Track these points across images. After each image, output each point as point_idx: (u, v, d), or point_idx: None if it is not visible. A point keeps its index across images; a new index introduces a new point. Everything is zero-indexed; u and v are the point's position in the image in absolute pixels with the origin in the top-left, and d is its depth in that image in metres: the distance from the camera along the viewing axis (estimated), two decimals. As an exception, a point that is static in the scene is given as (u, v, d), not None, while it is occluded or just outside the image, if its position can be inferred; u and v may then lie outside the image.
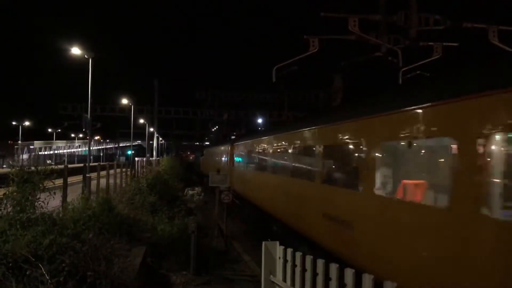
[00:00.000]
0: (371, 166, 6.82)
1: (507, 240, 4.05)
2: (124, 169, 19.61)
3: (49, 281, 5.41)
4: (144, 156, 43.98)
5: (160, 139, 73.24)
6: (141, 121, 53.56)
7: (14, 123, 76.61)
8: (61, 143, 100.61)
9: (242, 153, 21.52)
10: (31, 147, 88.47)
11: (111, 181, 15.76)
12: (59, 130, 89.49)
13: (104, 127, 73.80)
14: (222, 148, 30.42)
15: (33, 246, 5.77)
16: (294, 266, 5.73)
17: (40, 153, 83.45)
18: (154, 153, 48.66)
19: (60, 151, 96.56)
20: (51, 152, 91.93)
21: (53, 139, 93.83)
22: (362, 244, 7.08)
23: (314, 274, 5.25)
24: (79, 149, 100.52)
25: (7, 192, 6.82)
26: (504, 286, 4.08)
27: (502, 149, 4.38)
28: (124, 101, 45.21)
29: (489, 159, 4.43)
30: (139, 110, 51.18)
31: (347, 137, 8.30)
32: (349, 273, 4.62)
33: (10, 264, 5.50)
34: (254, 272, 10.77)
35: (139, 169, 26.07)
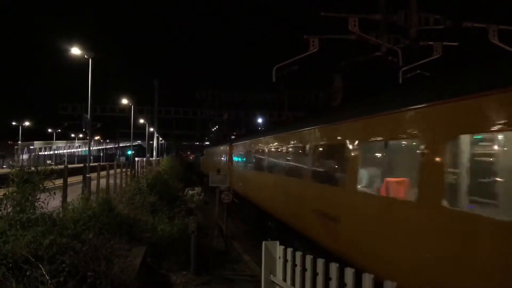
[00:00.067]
0: (354, 165, 7.46)
1: (459, 226, 4.75)
2: (124, 169, 19.61)
3: (49, 281, 5.41)
4: (144, 156, 43.98)
5: (160, 139, 73.26)
6: (141, 121, 53.58)
7: (14, 123, 76.67)
8: (61, 143, 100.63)
9: (240, 153, 21.95)
10: (31, 147, 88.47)
11: (111, 181, 15.77)
12: (59, 130, 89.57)
13: (104, 127, 74.03)
14: (221, 148, 30.78)
15: (33, 247, 5.77)
16: (294, 265, 5.73)
17: (40, 153, 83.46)
18: (154, 153, 48.67)
19: (60, 151, 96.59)
20: (51, 152, 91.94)
21: (53, 139, 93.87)
22: (346, 236, 7.68)
23: (314, 274, 5.25)
24: (79, 149, 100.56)
25: (7, 193, 6.81)
26: (457, 265, 4.71)
27: (464, 150, 4.87)
28: (124, 101, 45.23)
29: (452, 159, 5.01)
30: (139, 110, 51.21)
31: (332, 138, 9.04)
32: (349, 273, 4.62)
33: (10, 265, 5.49)
34: (254, 272, 10.77)
35: (139, 169, 26.07)
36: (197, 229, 11.22)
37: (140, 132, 62.25)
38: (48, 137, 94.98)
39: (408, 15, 14.28)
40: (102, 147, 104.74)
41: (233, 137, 42.73)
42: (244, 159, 20.78)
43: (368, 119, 7.34)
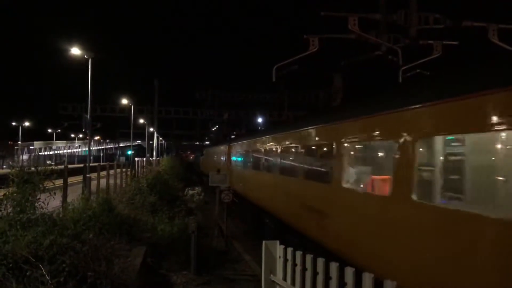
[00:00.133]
0: (339, 163, 8.17)
1: (422, 216, 5.47)
2: (124, 169, 19.61)
3: (50, 281, 5.41)
4: (144, 156, 43.98)
5: (160, 139, 73.27)
6: (141, 121, 53.57)
7: (14, 123, 76.66)
8: (61, 143, 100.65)
9: (238, 153, 22.45)
10: (31, 147, 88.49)
11: (111, 181, 15.77)
12: (59, 131, 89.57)
13: (104, 127, 73.94)
14: (221, 148, 31.16)
15: (33, 247, 5.76)
16: (294, 265, 5.73)
17: (40, 153, 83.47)
18: (154, 153, 48.67)
19: (60, 152, 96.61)
20: (51, 152, 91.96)
21: (53, 140, 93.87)
22: (332, 229, 8.37)
23: (314, 273, 5.25)
24: (79, 150, 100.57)
25: (7, 193, 6.81)
26: (419, 249, 5.36)
27: (427, 150, 5.56)
28: (124, 101, 45.23)
29: (425, 158, 5.61)
30: (139, 110, 51.20)
31: (320, 139, 9.87)
32: (349, 272, 4.62)
33: (11, 265, 5.49)
34: (255, 272, 10.77)
35: (139, 169, 26.08)
36: (197, 229, 11.21)
37: (140, 132, 62.26)
38: (48, 137, 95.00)
39: (408, 15, 14.28)
40: (102, 147, 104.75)
41: (233, 136, 42.77)
42: (242, 158, 21.35)
43: (350, 122, 8.08)
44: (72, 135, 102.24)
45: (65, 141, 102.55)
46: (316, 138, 10.11)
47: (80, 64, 21.86)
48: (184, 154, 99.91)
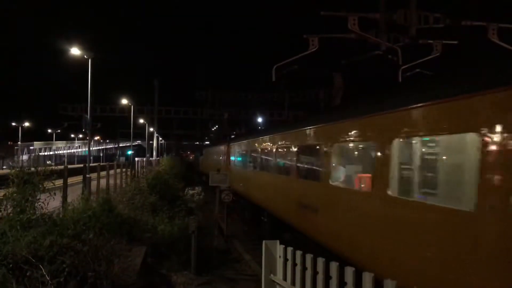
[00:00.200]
0: (327, 162, 8.86)
1: (395, 209, 6.15)
2: (124, 169, 19.61)
3: (50, 281, 5.41)
4: (144, 156, 43.97)
5: (160, 139, 73.27)
6: (141, 121, 53.56)
7: (13, 124, 76.68)
8: (61, 143, 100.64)
9: (237, 153, 22.97)
10: (31, 147, 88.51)
11: (111, 181, 15.76)
12: (59, 131, 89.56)
13: (104, 127, 73.88)
14: (220, 148, 31.50)
15: (33, 247, 5.76)
16: (294, 265, 5.72)
17: (40, 153, 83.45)
18: (154, 153, 48.66)
19: (60, 152, 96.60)
20: (51, 152, 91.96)
21: (53, 140, 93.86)
22: (321, 223, 9.08)
23: (315, 273, 5.25)
24: (79, 150, 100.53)
25: (7, 193, 6.81)
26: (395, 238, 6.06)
27: (397, 151, 6.23)
28: (124, 101, 45.21)
29: (390, 158, 6.30)
30: (139, 110, 51.17)
31: (310, 140, 10.56)
32: (349, 272, 4.62)
33: (11, 265, 5.49)
34: (255, 272, 10.77)
35: (139, 169, 26.07)
36: (197, 229, 11.22)
37: (140, 132, 62.26)
38: (48, 138, 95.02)
39: (408, 14, 14.26)
40: (102, 147, 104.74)
41: (232, 136, 42.83)
42: (241, 158, 21.85)
43: (336, 125, 8.81)
44: (72, 135, 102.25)
45: (65, 142, 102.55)
46: (307, 139, 10.77)
47: (80, 64, 21.88)
48: (184, 154, 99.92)
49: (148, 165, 32.04)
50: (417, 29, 14.33)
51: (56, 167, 9.03)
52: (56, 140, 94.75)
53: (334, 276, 4.86)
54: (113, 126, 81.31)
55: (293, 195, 11.12)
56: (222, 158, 28.72)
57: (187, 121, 71.16)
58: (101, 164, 19.93)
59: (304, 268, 5.48)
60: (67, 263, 5.72)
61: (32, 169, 7.29)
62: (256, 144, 17.19)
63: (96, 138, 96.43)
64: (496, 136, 4.37)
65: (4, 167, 55.15)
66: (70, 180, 10.38)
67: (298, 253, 5.66)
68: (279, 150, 13.40)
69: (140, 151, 78.98)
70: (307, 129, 10.69)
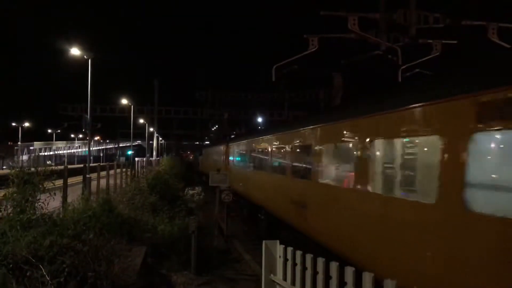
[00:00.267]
0: (315, 161, 9.68)
1: (372, 203, 6.88)
2: (124, 170, 19.60)
3: (50, 282, 5.41)
4: (144, 156, 43.97)
5: (160, 139, 73.25)
6: (141, 121, 53.55)
7: (13, 124, 76.68)
8: (61, 143, 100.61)
9: (235, 153, 23.58)
10: (31, 148, 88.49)
11: (111, 181, 15.76)
12: (59, 131, 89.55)
13: (104, 127, 73.94)
14: (219, 148, 31.92)
15: (33, 247, 5.76)
16: (294, 264, 5.73)
17: (40, 154, 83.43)
18: (154, 153, 48.66)
19: (60, 152, 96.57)
20: (51, 153, 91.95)
21: (53, 140, 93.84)
22: (310, 217, 9.84)
23: (315, 273, 5.25)
24: (79, 150, 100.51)
25: (7, 193, 6.81)
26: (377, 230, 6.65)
27: (375, 151, 6.94)
28: (124, 101, 45.21)
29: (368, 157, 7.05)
30: (139, 110, 51.17)
31: (300, 141, 11.26)
32: (349, 272, 4.62)
33: (11, 265, 5.49)
34: (255, 272, 10.77)
35: (139, 169, 26.07)
36: (197, 229, 11.21)
37: (140, 132, 62.23)
38: (48, 138, 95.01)
39: (408, 14, 14.26)
40: (102, 148, 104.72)
41: (232, 136, 42.90)
42: (239, 158, 22.44)
43: (323, 127, 9.55)
44: (72, 136, 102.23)
45: (65, 142, 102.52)
46: (298, 140, 11.48)
47: (80, 64, 21.88)
48: (184, 154, 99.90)
49: (148, 165, 32.04)
50: (417, 29, 14.34)
51: (56, 167, 9.03)
52: (56, 140, 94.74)
53: (334, 276, 4.86)
54: (113, 126, 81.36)
55: (286, 193, 11.78)
56: (221, 158, 28.99)
57: (187, 121, 71.24)
58: (101, 164, 19.93)
59: (304, 268, 5.49)
60: (67, 263, 5.73)
61: (32, 169, 7.29)
62: (253, 145, 17.91)
63: (96, 138, 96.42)
64: (450, 139, 5.05)
65: (4, 167, 55.14)
66: (70, 180, 10.38)
67: (298, 253, 5.66)
68: (273, 150, 14.16)
69: (140, 151, 78.96)
70: (298, 131, 11.55)
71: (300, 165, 11.13)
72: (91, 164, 17.92)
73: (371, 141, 7.03)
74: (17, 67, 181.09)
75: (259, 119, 54.61)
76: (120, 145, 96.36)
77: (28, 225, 6.39)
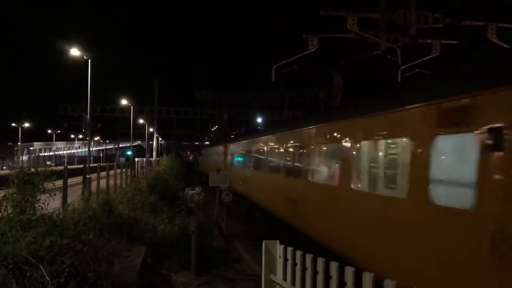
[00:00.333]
0: (307, 160, 10.44)
1: (354, 199, 7.66)
2: (124, 170, 19.61)
3: (50, 282, 5.42)
4: (144, 156, 43.98)
5: (160, 139, 73.25)
6: (141, 121, 53.56)
7: (13, 124, 76.67)
8: (60, 144, 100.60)
9: (233, 153, 24.45)
10: (30, 148, 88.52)
11: (111, 182, 15.77)
12: (59, 131, 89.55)
13: (104, 127, 73.87)
14: (218, 148, 32.64)
15: (33, 248, 5.77)
16: (294, 264, 5.73)
17: (40, 154, 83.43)
18: (154, 154, 48.67)
19: (60, 152, 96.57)
20: (51, 153, 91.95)
21: (52, 140, 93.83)
22: (301, 213, 10.48)
23: (315, 273, 5.25)
24: (79, 150, 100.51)
25: (7, 194, 6.81)
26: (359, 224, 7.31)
27: (357, 152, 7.68)
28: (124, 101, 45.22)
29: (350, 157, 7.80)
30: (139, 110, 51.16)
31: (292, 142, 11.96)
32: (349, 272, 4.62)
33: (11, 266, 5.49)
34: (255, 272, 10.78)
35: (139, 169, 26.08)
36: (197, 229, 11.22)
37: (140, 132, 62.22)
38: (47, 138, 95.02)
39: (407, 14, 14.27)
40: (102, 148, 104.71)
41: (232, 136, 42.97)
42: (237, 158, 23.07)
43: (312, 129, 10.28)
44: (72, 136, 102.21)
45: (65, 142, 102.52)
46: (290, 141, 12.20)
47: (80, 64, 21.89)
48: (184, 154, 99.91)
49: (148, 165, 32.06)
50: (417, 29, 14.35)
51: (56, 168, 9.04)
52: (56, 140, 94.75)
53: (334, 276, 4.86)
54: (113, 126, 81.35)
55: (280, 191, 12.61)
56: (220, 158, 29.33)
57: (187, 121, 71.29)
58: (101, 164, 19.94)
59: (304, 268, 5.49)
60: (67, 263, 5.73)
61: (32, 169, 7.29)
62: (249, 146, 18.74)
63: (96, 138, 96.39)
64: (418, 141, 5.74)
65: (4, 167, 55.15)
66: (70, 180, 10.38)
67: (298, 253, 5.67)
68: (267, 151, 14.97)
69: (140, 151, 79.00)
70: (289, 132, 12.52)
71: (291, 164, 11.81)
72: (91, 165, 17.92)
73: (353, 142, 7.77)
74: (17, 67, 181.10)
75: (259, 119, 54.62)
76: (120, 145, 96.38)
77: (28, 225, 6.39)
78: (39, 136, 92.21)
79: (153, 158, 44.27)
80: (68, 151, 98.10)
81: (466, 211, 4.68)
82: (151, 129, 47.84)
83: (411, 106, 6.02)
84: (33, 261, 5.59)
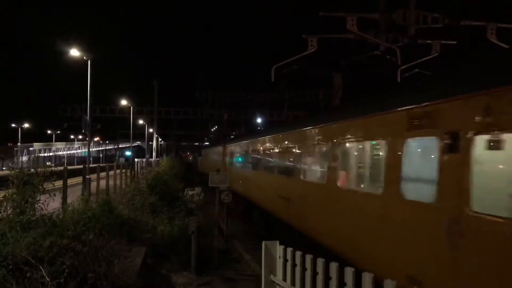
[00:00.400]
0: (298, 160, 11.20)
1: (340, 196, 8.39)
2: (123, 170, 19.61)
3: (50, 282, 5.42)
4: (143, 157, 43.98)
5: (160, 139, 73.24)
6: (141, 121, 53.55)
7: (13, 125, 76.66)
8: (60, 144, 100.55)
9: (232, 153, 25.02)
10: (30, 149, 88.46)
11: (111, 182, 15.77)
12: (59, 132, 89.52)
13: (104, 128, 73.88)
14: (217, 149, 33.16)
15: (33, 248, 5.76)
16: (294, 265, 5.73)
17: (39, 155, 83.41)
18: (154, 154, 48.66)
19: (60, 153, 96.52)
20: (51, 153, 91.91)
21: (52, 141, 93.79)
22: (294, 209, 11.18)
23: (314, 273, 5.26)
24: (79, 151, 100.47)
25: (7, 194, 6.81)
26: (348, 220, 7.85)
27: (342, 152, 8.46)
28: (124, 102, 45.22)
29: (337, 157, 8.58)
30: (138, 111, 51.16)
31: (285, 143, 12.81)
32: (349, 272, 4.63)
33: (11, 266, 5.49)
34: (255, 272, 10.78)
35: (138, 170, 26.08)
36: (197, 229, 11.21)
37: (140, 133, 62.21)
38: (47, 139, 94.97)
39: (407, 14, 14.26)
40: (102, 148, 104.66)
41: (232, 137, 43.03)
42: (235, 159, 23.66)
43: (304, 131, 10.93)
44: (72, 136, 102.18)
45: (64, 143, 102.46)
46: (284, 142, 12.95)
47: (80, 64, 21.91)
48: (184, 155, 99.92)
49: (148, 165, 32.06)
50: (416, 29, 14.34)
51: (55, 168, 9.04)
52: (55, 141, 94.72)
53: (333, 276, 4.87)
54: (113, 127, 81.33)
55: (276, 189, 13.28)
56: (219, 158, 29.57)
57: (187, 122, 71.24)
58: (101, 165, 19.94)
59: (304, 269, 5.49)
60: (67, 264, 5.73)
61: (32, 170, 7.29)
62: (248, 146, 19.40)
63: (96, 139, 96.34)
64: (392, 143, 6.43)
65: (4, 168, 55.12)
66: (70, 181, 10.39)
67: (298, 253, 5.67)
68: (266, 151, 15.63)
69: (139, 152, 78.95)
70: (282, 134, 13.38)
71: (287, 164, 12.51)
72: (91, 165, 17.92)
73: (338, 144, 8.55)
74: (17, 67, 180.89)
75: (259, 120, 54.59)
76: (120, 146, 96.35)
77: (28, 226, 6.39)
78: (38, 137, 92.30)
79: (153, 159, 44.26)
80: (68, 152, 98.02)
81: (428, 205, 5.41)
82: (150, 130, 47.84)
83: (388, 112, 6.73)
84: (33, 261, 5.59)
